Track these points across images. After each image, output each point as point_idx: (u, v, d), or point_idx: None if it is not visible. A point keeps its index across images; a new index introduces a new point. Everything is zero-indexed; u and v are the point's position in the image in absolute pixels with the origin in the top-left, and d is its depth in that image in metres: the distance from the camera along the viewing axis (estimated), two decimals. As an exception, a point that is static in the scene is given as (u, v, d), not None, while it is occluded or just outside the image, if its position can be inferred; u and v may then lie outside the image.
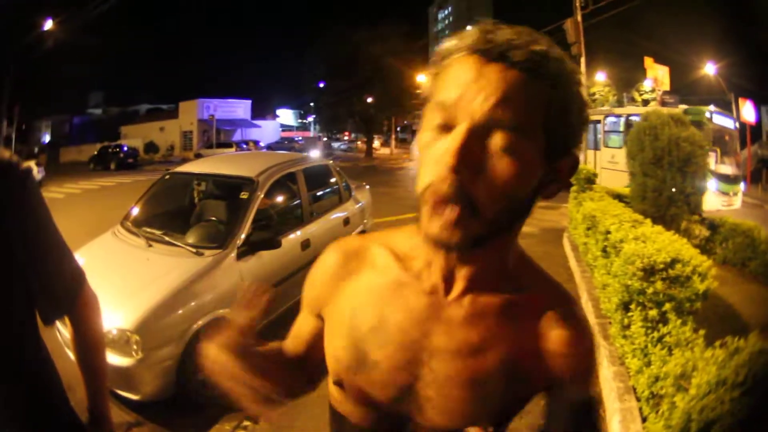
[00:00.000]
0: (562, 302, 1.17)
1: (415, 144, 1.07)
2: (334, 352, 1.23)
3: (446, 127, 0.96)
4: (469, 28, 0.99)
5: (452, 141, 0.93)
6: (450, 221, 0.95)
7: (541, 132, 0.96)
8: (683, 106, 19.50)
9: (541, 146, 0.97)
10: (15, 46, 32.35)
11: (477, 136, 0.92)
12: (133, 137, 62.15)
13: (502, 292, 1.13)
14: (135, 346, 4.40)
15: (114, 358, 4.37)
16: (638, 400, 4.15)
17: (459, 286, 1.13)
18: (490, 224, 0.98)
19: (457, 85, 0.95)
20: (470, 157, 0.92)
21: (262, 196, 6.03)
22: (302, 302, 1.39)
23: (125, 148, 43.80)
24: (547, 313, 1.13)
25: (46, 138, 78.91)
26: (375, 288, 1.20)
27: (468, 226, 0.96)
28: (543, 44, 0.95)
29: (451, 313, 1.12)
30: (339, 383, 1.24)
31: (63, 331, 4.56)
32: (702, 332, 3.99)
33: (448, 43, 1.01)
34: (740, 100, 29.56)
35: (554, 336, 1.12)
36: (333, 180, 8.40)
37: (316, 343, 1.33)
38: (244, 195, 5.97)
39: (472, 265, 1.11)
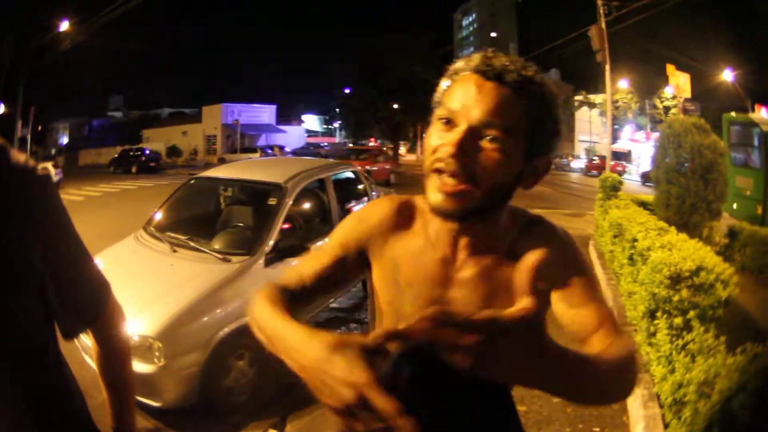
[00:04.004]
0: (540, 225, 1.47)
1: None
2: (384, 298, 1.50)
3: (450, 125, 1.27)
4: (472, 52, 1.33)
5: (454, 135, 1.22)
6: (451, 192, 1.24)
7: (522, 136, 1.25)
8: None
9: (523, 147, 1.26)
10: (29, 47, 32.22)
11: (473, 134, 1.22)
12: (155, 141, 62.16)
13: (497, 250, 1.40)
14: (157, 353, 4.36)
15: (135, 365, 4.14)
16: (661, 407, 4.16)
17: (462, 254, 1.41)
18: (482, 198, 1.26)
19: (461, 95, 1.26)
20: (467, 147, 1.21)
21: (291, 202, 6.00)
22: (341, 236, 1.57)
23: (147, 152, 43.47)
24: (531, 238, 1.41)
25: (64, 140, 79.11)
26: (410, 248, 1.47)
27: (465, 197, 1.24)
28: (530, 71, 1.27)
29: (460, 275, 1.40)
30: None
31: (83, 337, 4.55)
32: (723, 338, 3.99)
33: (458, 64, 1.33)
34: (756, 106, 29.50)
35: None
36: (361, 186, 8.35)
37: (335, 273, 1.53)
38: (272, 201, 5.91)
39: (470, 237, 1.40)
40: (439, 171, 1.25)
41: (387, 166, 30.37)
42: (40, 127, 56.49)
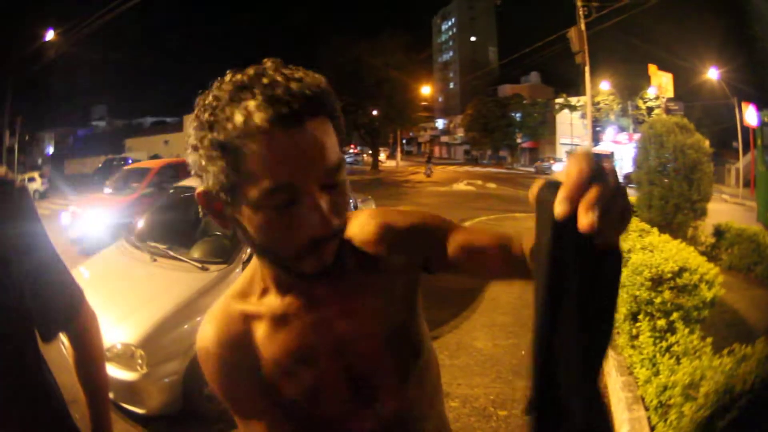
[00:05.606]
0: (363, 218, 1.30)
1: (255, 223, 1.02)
2: (286, 404, 1.23)
3: (292, 201, 0.98)
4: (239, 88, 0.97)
5: (315, 214, 0.98)
6: (329, 255, 1.06)
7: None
8: None
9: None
10: (16, 57, 32.13)
11: (325, 189, 1.00)
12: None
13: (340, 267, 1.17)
14: (140, 361, 4.39)
15: (119, 373, 4.38)
16: (646, 409, 4.13)
17: (309, 294, 1.20)
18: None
19: (280, 162, 0.94)
20: (330, 206, 1.00)
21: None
22: (216, 389, 1.31)
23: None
24: (367, 233, 1.26)
25: (50, 150, 79.38)
26: (261, 339, 1.22)
27: (335, 248, 1.07)
28: (314, 80, 1.00)
29: (323, 314, 1.20)
30: (306, 418, 1.24)
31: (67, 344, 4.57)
32: (709, 340, 3.98)
33: (236, 119, 0.93)
34: (743, 104, 29.49)
35: (387, 237, 1.26)
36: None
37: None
38: (248, 209, 5.86)
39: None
40: (312, 250, 1.03)
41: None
42: (27, 137, 56.44)
